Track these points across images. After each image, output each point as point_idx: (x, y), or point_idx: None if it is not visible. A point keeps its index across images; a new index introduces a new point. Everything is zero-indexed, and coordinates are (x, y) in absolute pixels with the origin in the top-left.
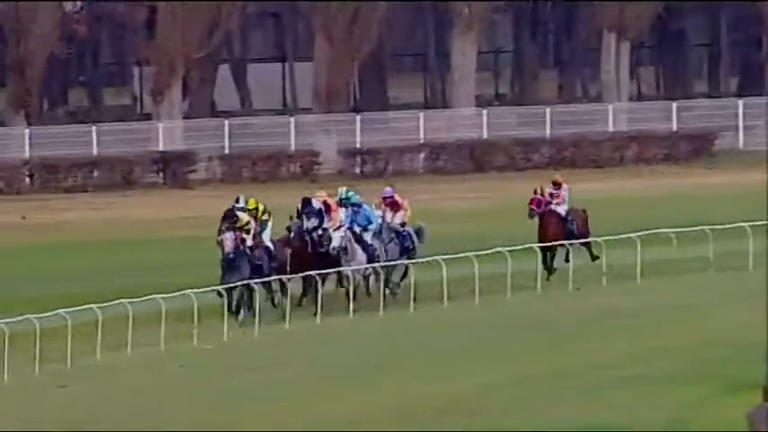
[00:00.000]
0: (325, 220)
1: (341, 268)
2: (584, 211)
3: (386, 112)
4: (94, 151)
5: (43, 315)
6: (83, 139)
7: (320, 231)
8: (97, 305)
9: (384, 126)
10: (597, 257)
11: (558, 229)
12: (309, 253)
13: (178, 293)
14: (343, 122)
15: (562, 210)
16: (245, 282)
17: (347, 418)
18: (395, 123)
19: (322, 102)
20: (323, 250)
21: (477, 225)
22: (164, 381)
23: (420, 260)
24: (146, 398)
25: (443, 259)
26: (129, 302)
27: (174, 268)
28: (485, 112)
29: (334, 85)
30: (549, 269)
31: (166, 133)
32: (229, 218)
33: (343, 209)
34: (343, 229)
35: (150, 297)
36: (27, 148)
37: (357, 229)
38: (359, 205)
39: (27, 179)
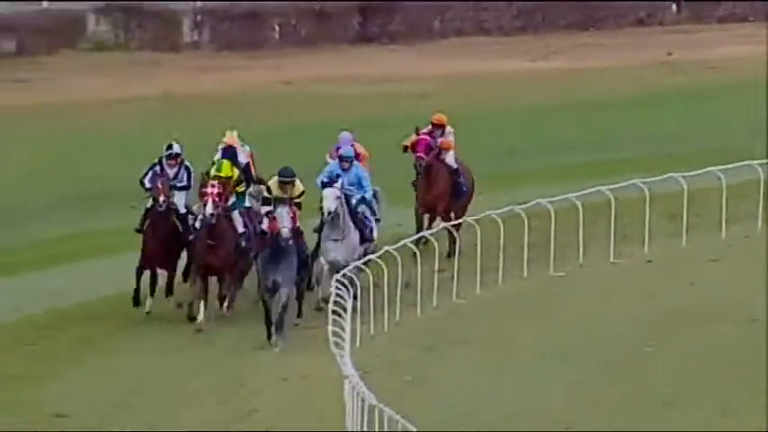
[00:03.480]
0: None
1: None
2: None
3: None
4: None
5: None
6: None
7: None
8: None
9: None
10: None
11: (446, 188)
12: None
13: None
14: None
15: (451, 160)
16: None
17: None
18: None
19: None
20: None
21: None
22: None
23: None
24: None
25: None
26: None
27: None
28: None
29: None
30: (422, 239)
31: None
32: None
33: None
34: (337, 185)
35: None
36: None
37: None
38: (350, 160)
39: (673, 7)
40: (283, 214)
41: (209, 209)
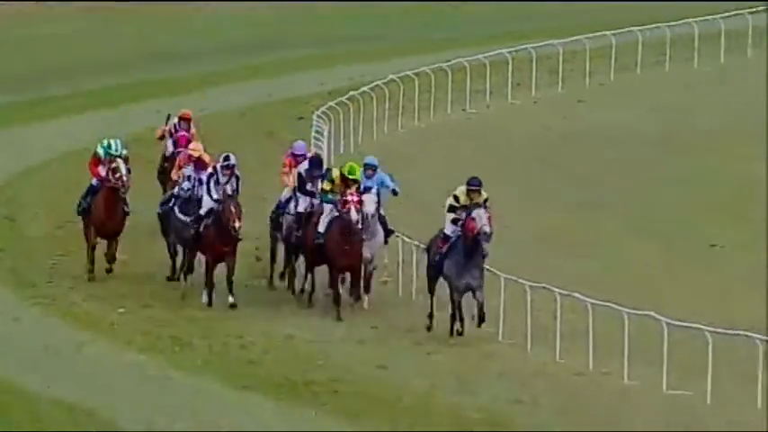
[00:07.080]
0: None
1: None
2: None
3: None
4: None
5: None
6: None
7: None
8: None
9: None
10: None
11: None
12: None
13: None
14: None
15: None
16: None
17: None
18: None
19: None
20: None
21: None
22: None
23: None
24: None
25: None
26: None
27: None
28: None
29: None
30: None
31: None
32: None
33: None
34: (373, 191)
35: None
36: None
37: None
38: (373, 167)
39: None
40: (481, 214)
41: (354, 216)
